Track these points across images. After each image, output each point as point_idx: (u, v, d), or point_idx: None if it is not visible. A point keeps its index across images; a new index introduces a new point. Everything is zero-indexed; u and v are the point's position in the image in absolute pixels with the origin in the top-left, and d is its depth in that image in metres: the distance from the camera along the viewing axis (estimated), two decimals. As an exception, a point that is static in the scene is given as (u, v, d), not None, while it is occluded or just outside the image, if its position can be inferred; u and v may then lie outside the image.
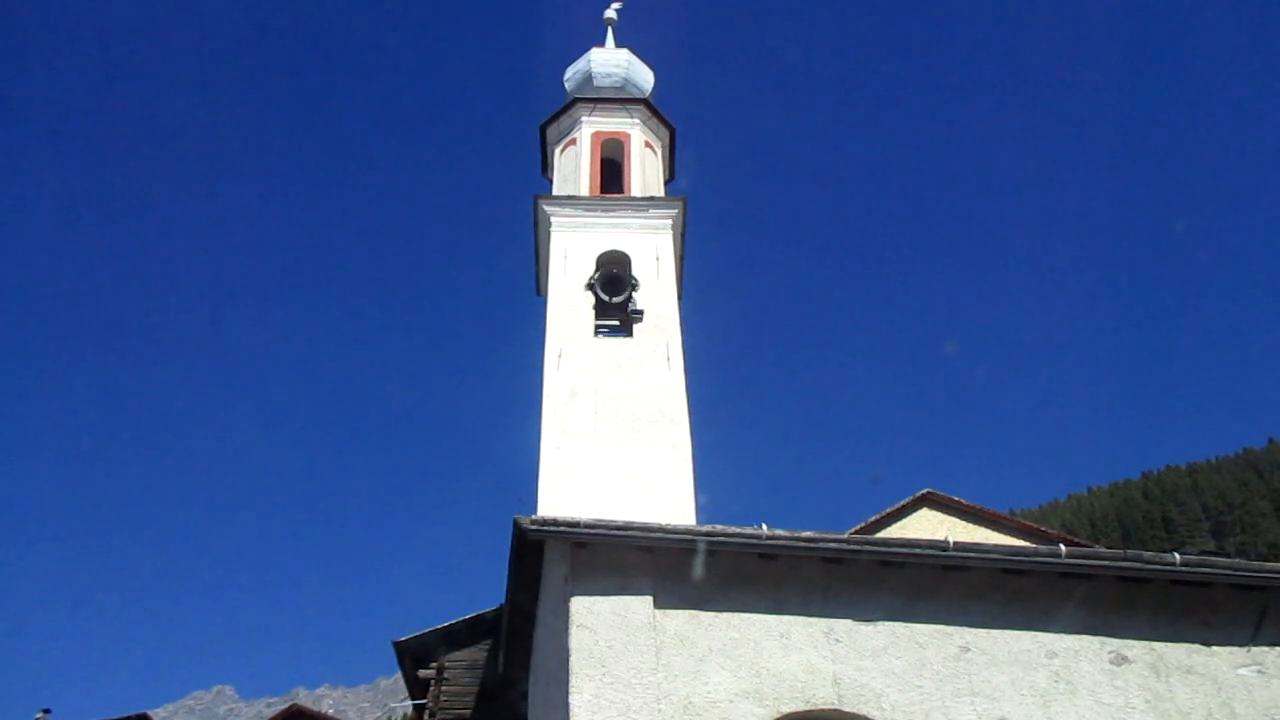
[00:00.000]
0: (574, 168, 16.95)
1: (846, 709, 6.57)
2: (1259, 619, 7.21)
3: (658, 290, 14.90)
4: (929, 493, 17.51)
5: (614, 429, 13.14)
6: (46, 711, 20.41)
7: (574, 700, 6.38)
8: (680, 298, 15.54)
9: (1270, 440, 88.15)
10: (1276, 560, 9.97)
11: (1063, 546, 7.30)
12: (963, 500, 17.51)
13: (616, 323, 14.81)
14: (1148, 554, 7.26)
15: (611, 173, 17.19)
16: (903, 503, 17.37)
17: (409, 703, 13.30)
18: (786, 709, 6.52)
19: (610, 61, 18.32)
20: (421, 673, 12.43)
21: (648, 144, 17.57)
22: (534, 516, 7.16)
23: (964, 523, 17.00)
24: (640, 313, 14.56)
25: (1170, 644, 7.09)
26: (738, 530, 7.05)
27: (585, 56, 18.52)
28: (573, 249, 15.36)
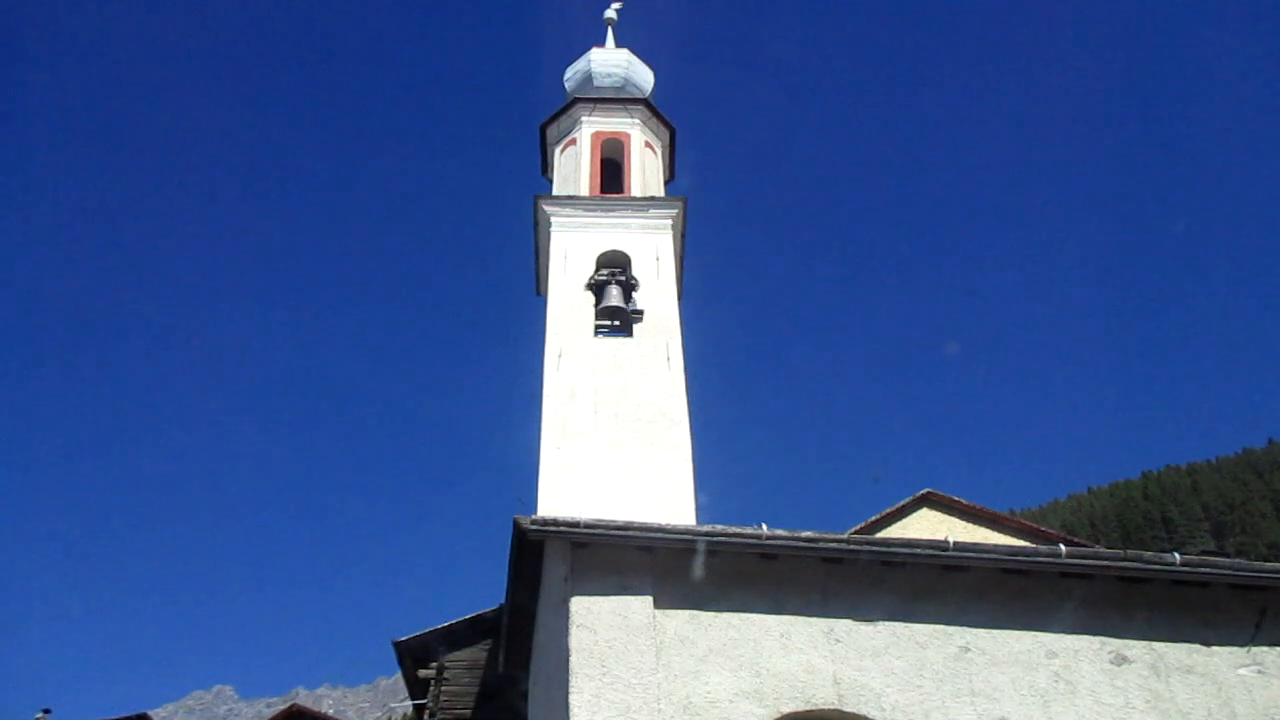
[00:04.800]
0: (574, 168, 16.96)
1: (846, 709, 6.56)
2: (1259, 619, 7.21)
3: (658, 290, 14.91)
4: (929, 493, 17.51)
5: (614, 429, 13.14)
6: (46, 711, 20.36)
7: (574, 700, 6.38)
8: (680, 298, 15.55)
9: (1270, 440, 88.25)
10: (1276, 560, 9.97)
11: (1063, 546, 7.30)
12: (963, 500, 17.51)
13: (616, 323, 14.81)
14: (1148, 554, 7.26)
15: (611, 173, 17.20)
16: (903, 503, 17.36)
17: (409, 703, 13.31)
18: (786, 709, 6.52)
19: (610, 61, 18.34)
20: (421, 673, 12.43)
21: (648, 144, 17.57)
22: (534, 516, 7.15)
23: (964, 523, 17.00)
24: (640, 313, 14.56)
25: (1170, 644, 7.08)
26: (738, 530, 7.05)
27: (585, 56, 18.53)
28: (573, 249, 15.36)
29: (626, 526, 6.98)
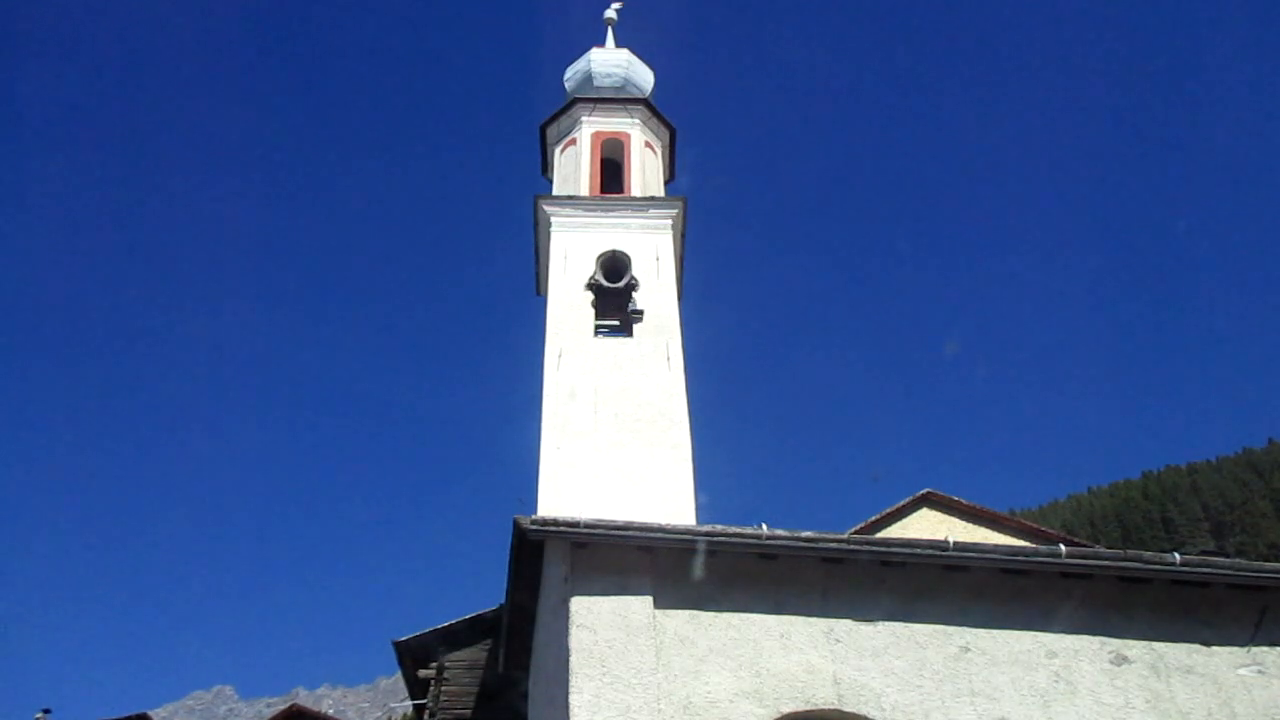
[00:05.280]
0: (574, 168, 16.96)
1: (846, 709, 6.57)
2: (1259, 619, 7.21)
3: (658, 290, 14.91)
4: (929, 493, 17.52)
5: (614, 429, 13.15)
6: (46, 711, 20.35)
7: (574, 700, 6.38)
8: (680, 298, 15.55)
9: (1270, 440, 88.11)
10: (1276, 560, 9.98)
11: (1063, 546, 7.31)
12: (963, 500, 17.52)
13: (616, 323, 14.82)
14: (1148, 554, 7.27)
15: (611, 173, 17.20)
16: (903, 503, 17.38)
17: (409, 703, 13.31)
18: (786, 709, 6.52)
19: (610, 61, 18.34)
20: (421, 673, 12.43)
21: (648, 144, 17.57)
22: (534, 516, 7.16)
23: (964, 523, 17.01)
24: (640, 313, 14.57)
25: (1170, 644, 7.09)
26: (738, 530, 7.05)
27: (585, 56, 18.53)
28: (573, 249, 15.37)
29: (626, 526, 6.99)
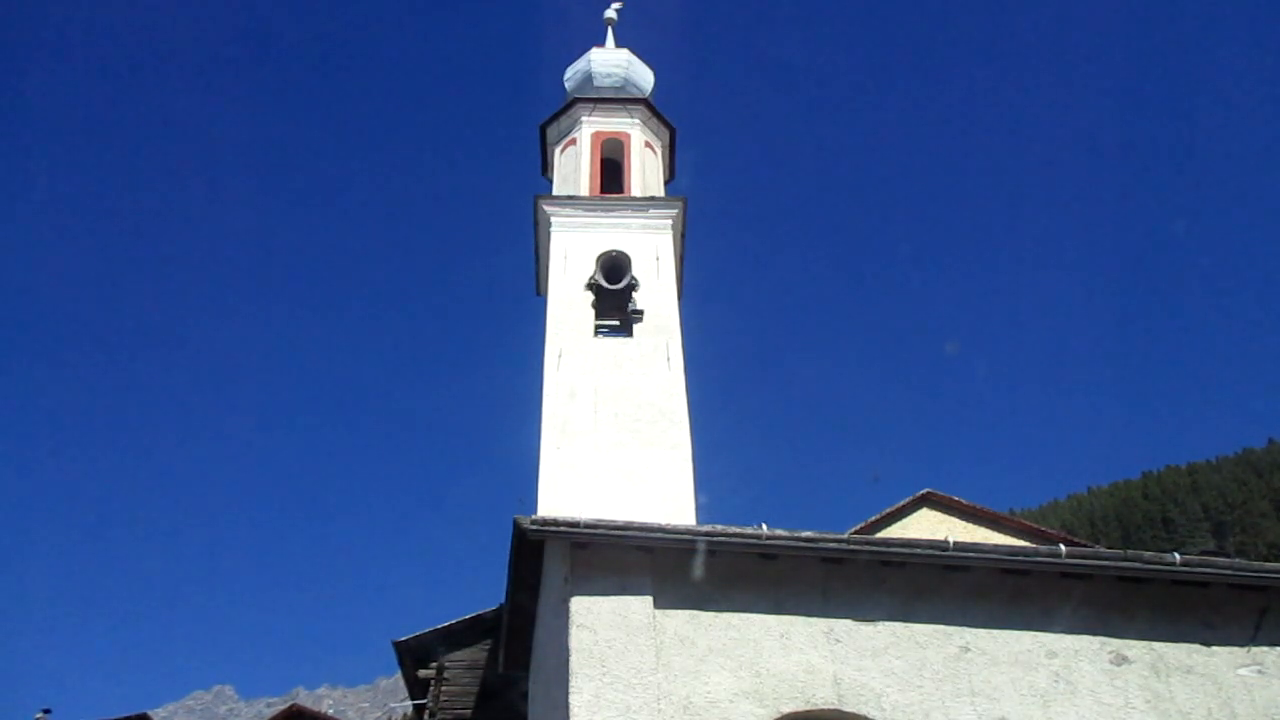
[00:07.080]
0: (574, 168, 16.96)
1: (846, 709, 6.57)
2: (1259, 619, 7.21)
3: (658, 290, 14.91)
4: (929, 493, 17.52)
5: (614, 429, 13.15)
6: (46, 711, 20.35)
7: (574, 700, 6.38)
8: (680, 298, 15.55)
9: (1270, 440, 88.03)
10: (1276, 560, 9.99)
11: (1063, 546, 7.31)
12: (963, 500, 17.52)
13: (616, 322, 14.82)
14: (1148, 554, 7.27)
15: (611, 173, 17.20)
16: (903, 503, 17.38)
17: (409, 703, 13.32)
18: (786, 709, 6.52)
19: (610, 61, 18.33)
20: (421, 673, 12.44)
21: (648, 144, 17.57)
22: (534, 516, 7.15)
23: (964, 523, 17.02)
24: (640, 313, 14.56)
25: (1170, 644, 7.09)
26: (738, 530, 7.05)
27: (585, 56, 18.53)
28: (573, 249, 15.36)
29: (626, 526, 6.99)
